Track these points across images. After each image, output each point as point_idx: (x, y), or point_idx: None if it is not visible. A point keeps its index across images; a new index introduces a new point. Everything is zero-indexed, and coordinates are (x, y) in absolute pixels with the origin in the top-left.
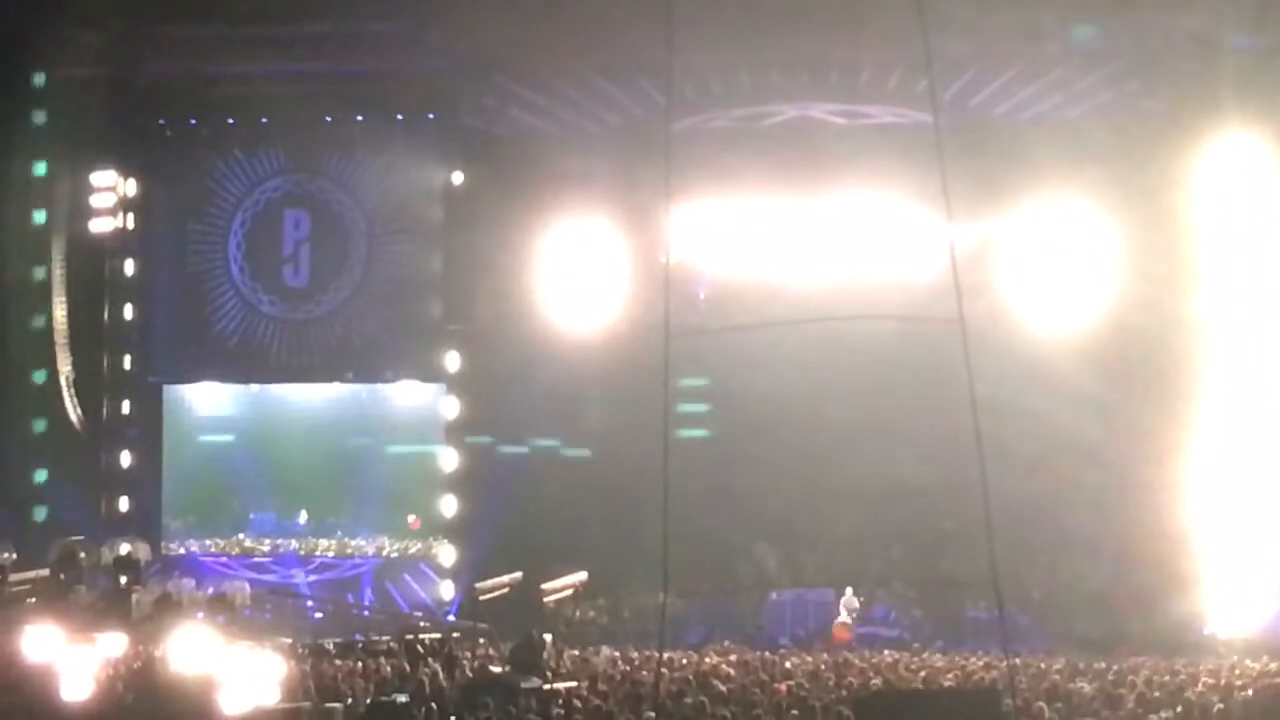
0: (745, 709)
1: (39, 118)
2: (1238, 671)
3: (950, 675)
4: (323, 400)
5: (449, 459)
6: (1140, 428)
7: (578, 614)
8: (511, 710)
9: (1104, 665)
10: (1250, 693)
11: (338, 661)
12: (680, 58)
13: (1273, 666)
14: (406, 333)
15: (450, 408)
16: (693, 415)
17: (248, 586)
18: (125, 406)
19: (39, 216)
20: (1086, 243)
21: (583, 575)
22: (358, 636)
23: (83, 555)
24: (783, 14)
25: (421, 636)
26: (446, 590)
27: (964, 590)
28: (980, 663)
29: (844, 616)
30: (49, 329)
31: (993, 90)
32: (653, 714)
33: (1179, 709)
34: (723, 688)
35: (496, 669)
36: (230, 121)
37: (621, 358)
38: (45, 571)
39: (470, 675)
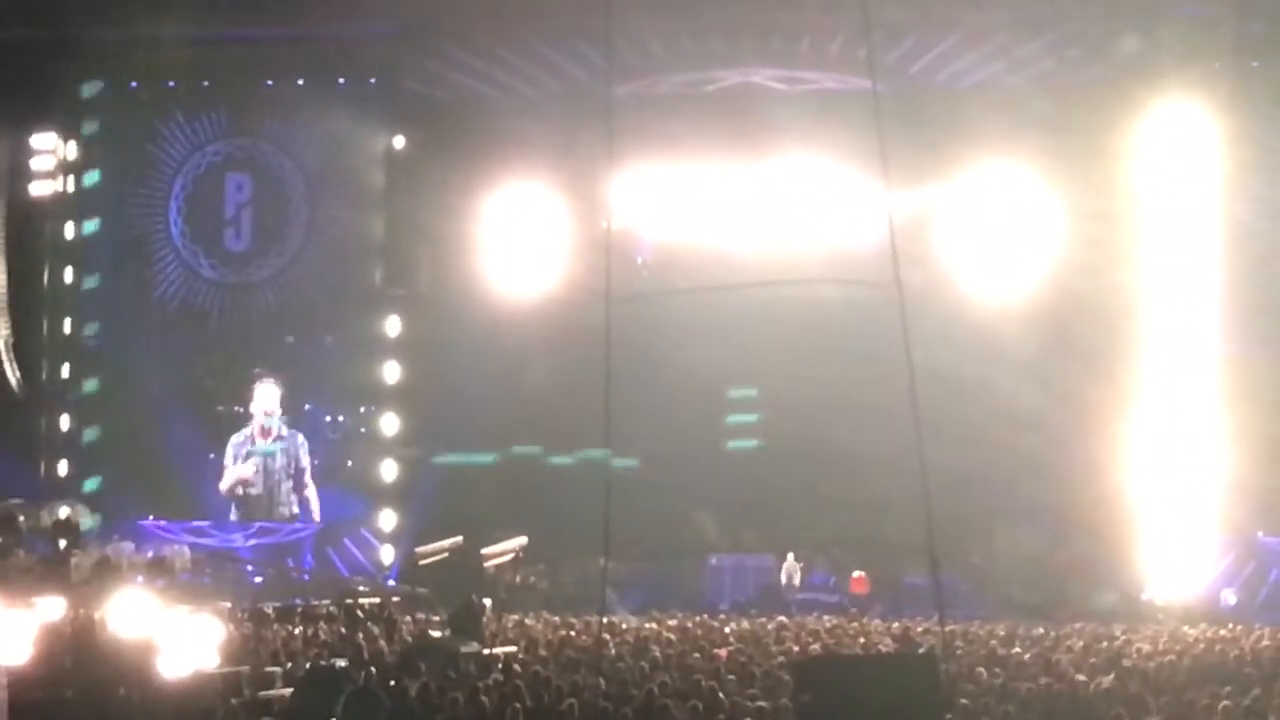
0: (684, 674)
1: None
2: (1175, 637)
3: (889, 641)
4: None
5: (390, 424)
6: (1079, 395)
7: (518, 579)
8: (450, 675)
9: (1042, 631)
10: (1185, 660)
11: (276, 626)
12: (622, 23)
13: (1209, 633)
14: (347, 297)
15: (391, 373)
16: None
17: (187, 550)
18: (65, 370)
19: None
20: (1026, 210)
21: (523, 540)
22: (297, 601)
23: (22, 519)
24: None
25: (361, 601)
26: (387, 555)
27: (903, 556)
28: (920, 628)
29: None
30: None
31: (934, 57)
32: (592, 680)
33: (1115, 674)
34: (661, 654)
35: (436, 634)
36: (171, 84)
37: (562, 323)
38: None
39: (409, 640)
